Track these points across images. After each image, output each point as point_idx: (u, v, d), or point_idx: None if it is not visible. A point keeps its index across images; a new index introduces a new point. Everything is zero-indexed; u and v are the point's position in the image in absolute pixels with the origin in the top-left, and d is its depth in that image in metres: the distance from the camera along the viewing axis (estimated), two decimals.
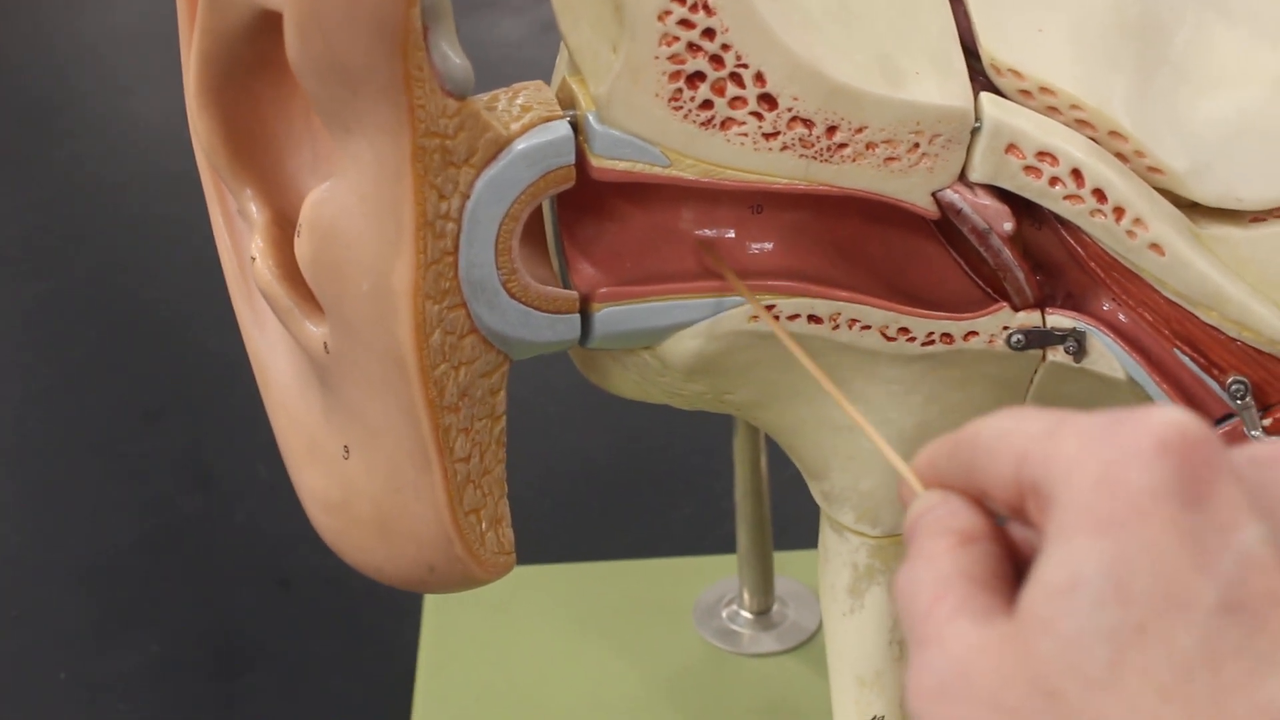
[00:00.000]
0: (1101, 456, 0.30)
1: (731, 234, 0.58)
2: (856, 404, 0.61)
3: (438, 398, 0.55)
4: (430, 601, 0.87)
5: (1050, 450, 0.31)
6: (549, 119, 0.54)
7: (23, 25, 1.99)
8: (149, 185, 1.57)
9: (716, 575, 0.88)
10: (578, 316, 0.57)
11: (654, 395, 0.63)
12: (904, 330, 0.58)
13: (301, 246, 0.55)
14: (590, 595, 0.87)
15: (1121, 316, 0.57)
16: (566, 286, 0.58)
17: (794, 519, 0.87)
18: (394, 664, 0.89)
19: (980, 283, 0.59)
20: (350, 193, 0.53)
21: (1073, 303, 0.58)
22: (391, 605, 0.88)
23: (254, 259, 0.58)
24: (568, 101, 0.56)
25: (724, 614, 0.85)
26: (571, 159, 0.54)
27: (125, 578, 1.03)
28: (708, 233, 0.58)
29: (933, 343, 0.58)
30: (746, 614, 0.85)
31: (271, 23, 0.56)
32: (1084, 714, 0.28)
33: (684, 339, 0.58)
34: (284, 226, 0.59)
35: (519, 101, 0.55)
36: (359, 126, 0.51)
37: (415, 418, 0.55)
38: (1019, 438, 0.32)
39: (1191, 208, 0.57)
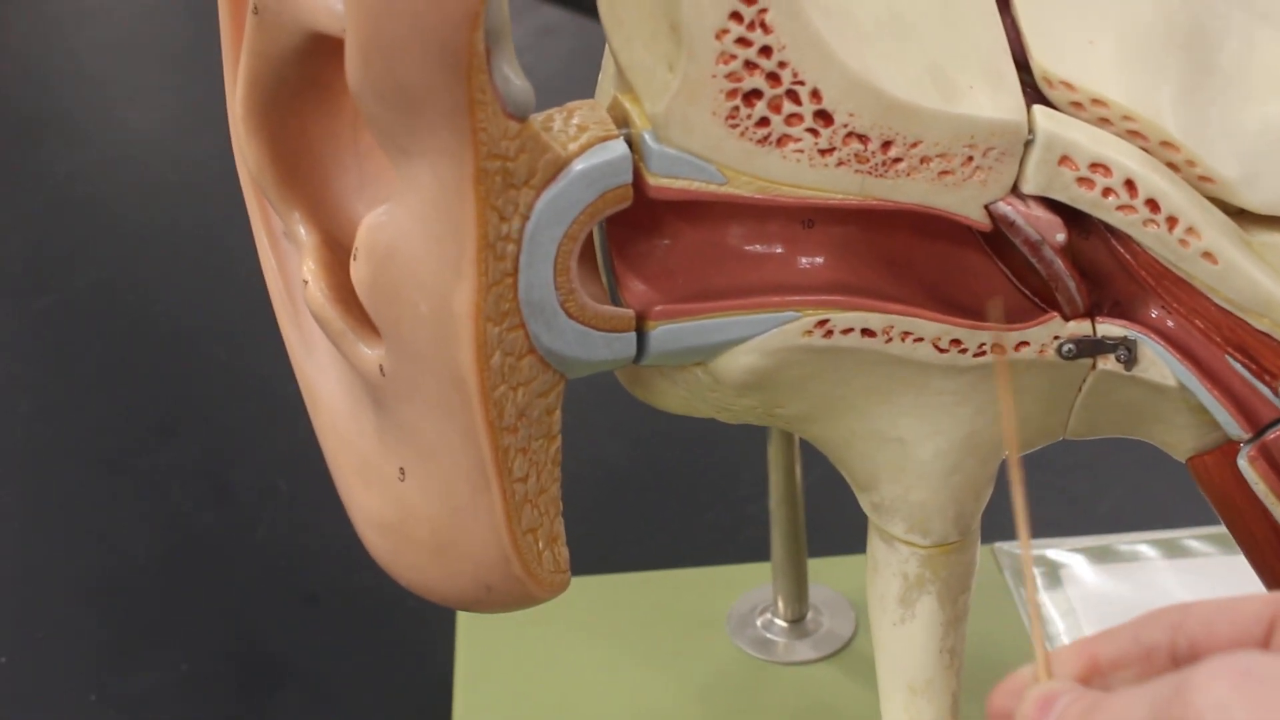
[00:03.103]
0: None
1: (782, 249, 0.58)
2: (908, 416, 0.61)
3: (497, 419, 0.55)
4: (464, 615, 0.87)
5: None
6: (605, 138, 0.54)
7: (8, 42, 1.97)
8: (145, 197, 1.56)
9: (748, 584, 0.88)
10: (634, 334, 0.57)
11: (702, 410, 0.63)
12: (956, 342, 0.58)
13: (358, 270, 0.55)
14: (624, 607, 0.87)
15: (1171, 324, 0.58)
16: (615, 304, 0.58)
17: (824, 525, 0.87)
18: (428, 678, 0.89)
19: (1027, 293, 0.59)
20: (409, 216, 0.53)
21: (1120, 310, 0.59)
22: (425, 619, 0.87)
23: (306, 283, 0.58)
24: (620, 120, 0.56)
25: (759, 623, 0.85)
26: (629, 178, 0.54)
27: (149, 596, 1.03)
28: (758, 249, 0.58)
29: (984, 354, 0.59)
30: (781, 622, 0.85)
31: (321, 45, 0.56)
32: None
33: (738, 355, 0.58)
34: (334, 249, 0.59)
35: (575, 121, 0.55)
36: (419, 150, 0.51)
37: (475, 439, 0.55)
38: None
39: (1239, 214, 0.57)
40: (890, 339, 0.58)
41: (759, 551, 0.92)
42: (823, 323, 0.57)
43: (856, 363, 0.59)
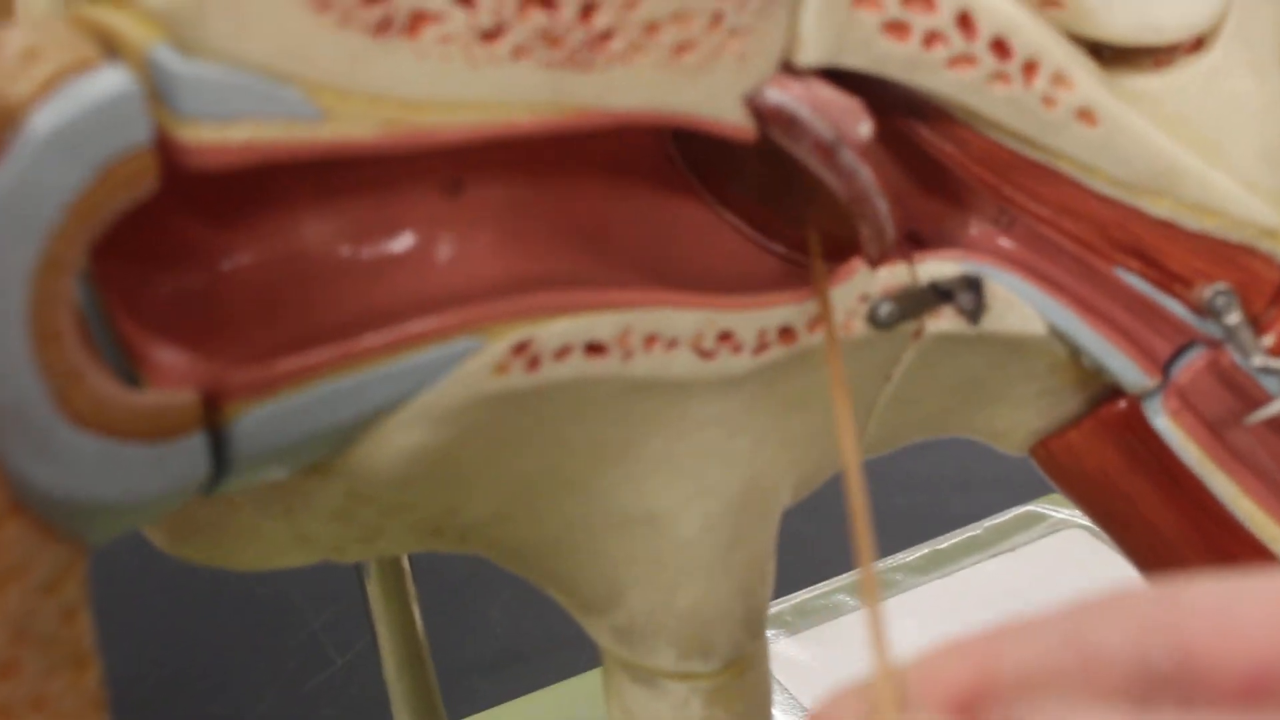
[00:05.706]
0: None
1: (418, 239, 0.33)
2: (657, 476, 0.38)
3: None
4: None
5: None
6: (80, 66, 0.28)
7: None
8: None
9: None
10: (202, 436, 0.31)
11: (314, 550, 0.37)
12: (726, 337, 0.36)
13: None
14: None
15: (1028, 240, 0.38)
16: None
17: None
18: None
19: (779, 247, 0.38)
20: None
21: (944, 238, 0.38)
22: None
23: None
24: (103, 44, 0.30)
25: None
26: (146, 134, 0.28)
27: None
28: (383, 246, 0.33)
29: (767, 346, 0.37)
30: None
31: None
32: None
33: (394, 433, 0.33)
34: None
35: (16, 45, 0.28)
36: None
37: None
38: None
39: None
40: (630, 352, 0.35)
41: None
42: (522, 347, 0.33)
43: (576, 407, 0.35)
